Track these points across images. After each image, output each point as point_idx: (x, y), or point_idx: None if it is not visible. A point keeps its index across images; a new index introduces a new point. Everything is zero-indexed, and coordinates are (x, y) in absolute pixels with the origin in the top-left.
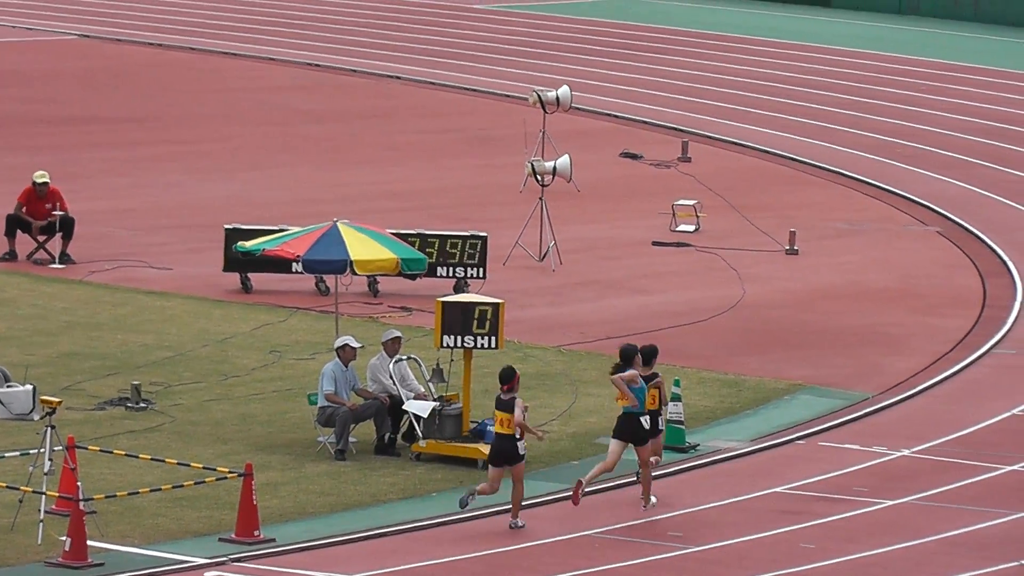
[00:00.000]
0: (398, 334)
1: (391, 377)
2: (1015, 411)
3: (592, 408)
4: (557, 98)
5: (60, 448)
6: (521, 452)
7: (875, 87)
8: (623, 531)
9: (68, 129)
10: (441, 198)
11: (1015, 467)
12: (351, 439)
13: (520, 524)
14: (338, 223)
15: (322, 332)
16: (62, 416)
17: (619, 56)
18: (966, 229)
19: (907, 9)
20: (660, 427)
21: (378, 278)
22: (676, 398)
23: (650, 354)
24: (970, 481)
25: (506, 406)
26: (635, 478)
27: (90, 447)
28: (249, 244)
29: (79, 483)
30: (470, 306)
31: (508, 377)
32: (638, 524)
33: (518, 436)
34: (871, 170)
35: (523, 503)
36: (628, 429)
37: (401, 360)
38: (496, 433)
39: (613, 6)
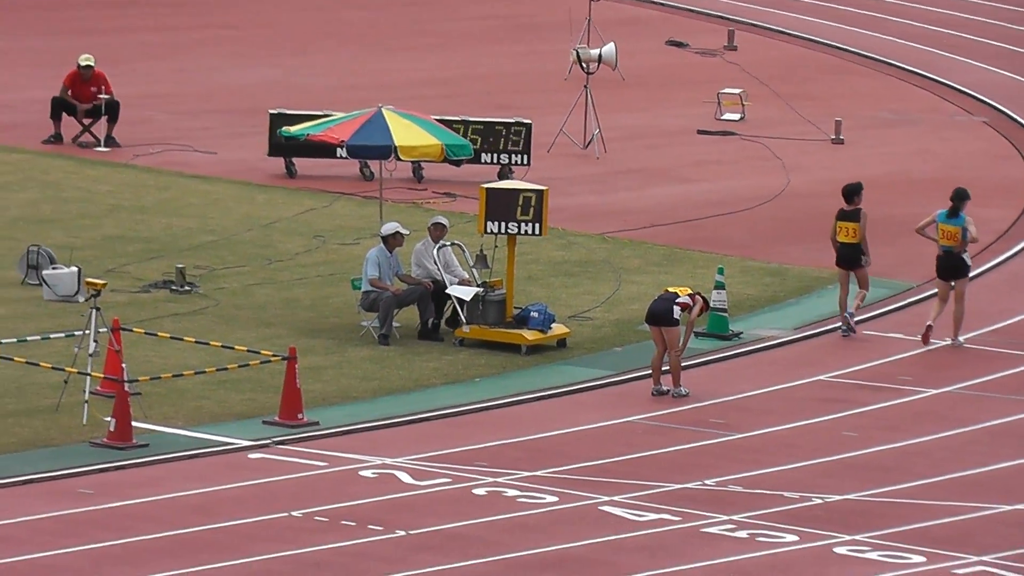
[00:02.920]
0: (443, 220)
1: (435, 262)
2: (947, 342)
3: (635, 295)
4: None
5: (105, 330)
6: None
7: None
8: (666, 418)
9: (111, 13)
10: (486, 85)
11: None
12: (395, 324)
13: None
14: (383, 109)
15: (366, 217)
16: (107, 298)
17: None
18: (1013, 119)
19: None
20: (863, 263)
21: (422, 164)
22: (720, 286)
23: (852, 191)
24: (1013, 371)
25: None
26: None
27: (135, 329)
28: (294, 129)
29: (124, 365)
30: (514, 192)
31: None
32: (680, 411)
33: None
34: (918, 60)
35: (571, 387)
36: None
37: (445, 246)
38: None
39: None
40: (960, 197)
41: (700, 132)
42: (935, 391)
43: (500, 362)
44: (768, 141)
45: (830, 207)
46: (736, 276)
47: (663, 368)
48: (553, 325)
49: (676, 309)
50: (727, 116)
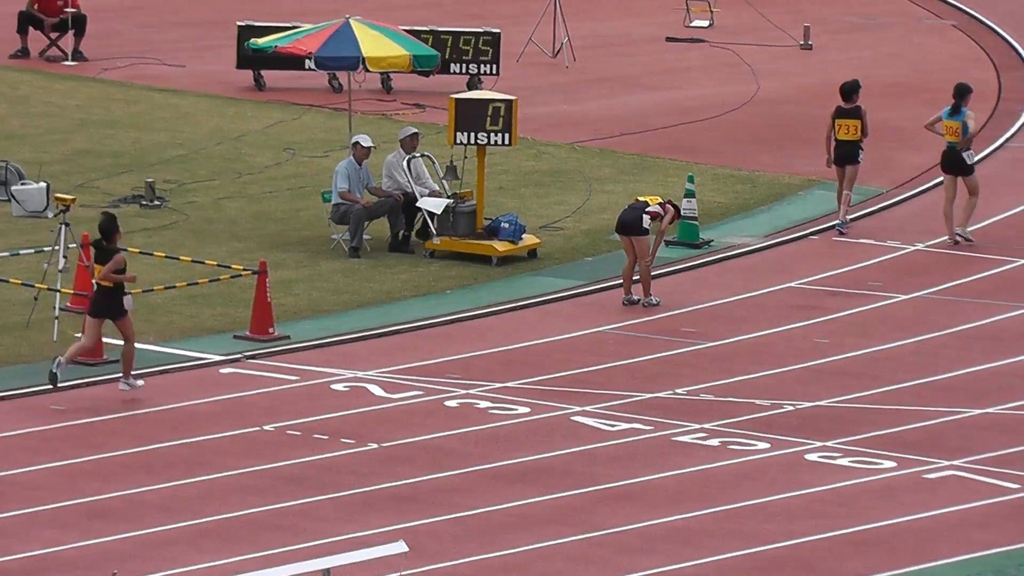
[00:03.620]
0: (415, 130)
1: (406, 174)
2: (949, 238)
3: (605, 205)
4: None
5: (74, 245)
6: None
7: None
8: (638, 327)
9: None
10: None
11: None
12: (365, 236)
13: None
14: (350, 20)
15: (335, 130)
16: (76, 214)
17: None
18: (981, 22)
19: None
20: (859, 159)
21: (391, 75)
22: (690, 194)
23: (851, 89)
24: (983, 275)
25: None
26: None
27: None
28: (262, 41)
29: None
30: (484, 103)
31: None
32: (651, 321)
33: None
34: None
35: (542, 298)
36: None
37: (416, 157)
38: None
39: None
40: (961, 93)
41: (669, 39)
42: (905, 296)
43: (471, 273)
44: (737, 48)
45: (800, 113)
46: (706, 184)
47: (634, 278)
48: (524, 236)
49: (645, 218)
50: (696, 23)
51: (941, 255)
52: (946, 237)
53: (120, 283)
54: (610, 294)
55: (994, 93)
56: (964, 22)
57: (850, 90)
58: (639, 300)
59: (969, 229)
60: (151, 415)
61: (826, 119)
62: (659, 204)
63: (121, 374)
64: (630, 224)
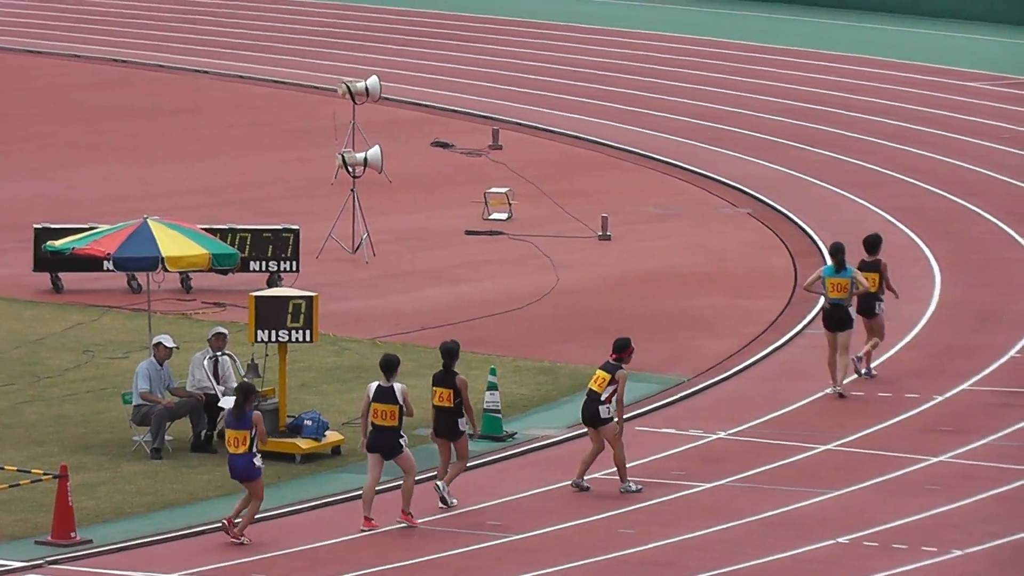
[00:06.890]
0: (222, 330)
1: (208, 372)
2: (827, 391)
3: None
4: (366, 88)
5: None
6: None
7: (683, 70)
8: (443, 522)
9: None
10: (252, 192)
11: (829, 446)
12: (167, 437)
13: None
14: (148, 220)
15: (135, 330)
16: None
17: (426, 45)
18: (777, 210)
19: None
20: (877, 311)
21: (190, 274)
22: (493, 387)
23: (873, 243)
24: (785, 461)
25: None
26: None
27: None
28: (59, 243)
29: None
30: (284, 300)
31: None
32: (458, 515)
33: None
34: (682, 154)
35: (346, 495)
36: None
37: (220, 356)
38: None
39: None
40: (841, 250)
41: (468, 232)
42: (708, 485)
43: (275, 472)
44: (536, 239)
45: (600, 304)
46: (508, 376)
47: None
48: (327, 432)
49: (602, 409)
50: (494, 216)
51: (743, 443)
52: (828, 389)
53: None
54: (417, 488)
55: (790, 279)
56: (759, 210)
57: (873, 244)
58: (588, 488)
59: (768, 417)
60: None
61: (624, 307)
62: (608, 386)
63: None
64: (590, 417)
